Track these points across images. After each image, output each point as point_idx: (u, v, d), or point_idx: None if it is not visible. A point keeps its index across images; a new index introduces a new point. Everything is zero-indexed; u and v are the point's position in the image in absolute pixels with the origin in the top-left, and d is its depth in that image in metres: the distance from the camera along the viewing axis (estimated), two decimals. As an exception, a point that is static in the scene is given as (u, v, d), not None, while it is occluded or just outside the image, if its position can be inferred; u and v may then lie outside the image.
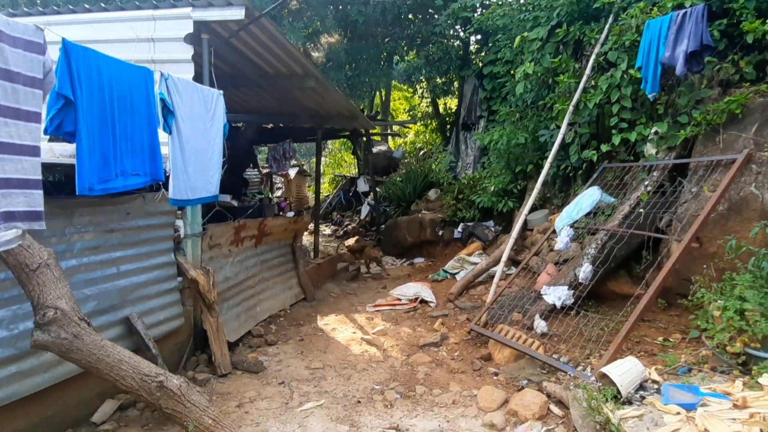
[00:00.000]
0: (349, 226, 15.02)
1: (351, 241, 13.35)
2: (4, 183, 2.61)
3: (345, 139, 16.68)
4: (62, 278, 3.20)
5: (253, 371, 5.14)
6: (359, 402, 4.51)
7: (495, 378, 4.97)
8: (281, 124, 11.60)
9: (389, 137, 18.32)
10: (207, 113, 4.69)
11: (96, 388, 4.12)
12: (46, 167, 3.41)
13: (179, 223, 4.98)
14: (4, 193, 2.56)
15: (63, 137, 3.34)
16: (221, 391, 4.69)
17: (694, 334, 4.91)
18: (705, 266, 4.85)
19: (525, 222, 7.97)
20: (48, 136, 3.71)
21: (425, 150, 16.29)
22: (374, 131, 13.26)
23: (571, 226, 6.08)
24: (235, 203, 6.29)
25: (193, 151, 4.43)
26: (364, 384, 4.90)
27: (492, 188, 9.10)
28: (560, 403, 4.23)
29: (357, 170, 16.65)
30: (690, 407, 3.74)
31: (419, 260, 10.65)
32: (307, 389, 4.78)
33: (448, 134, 14.22)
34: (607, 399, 3.92)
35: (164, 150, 4.20)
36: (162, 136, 4.13)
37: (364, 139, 13.21)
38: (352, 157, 17.99)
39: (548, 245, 7.32)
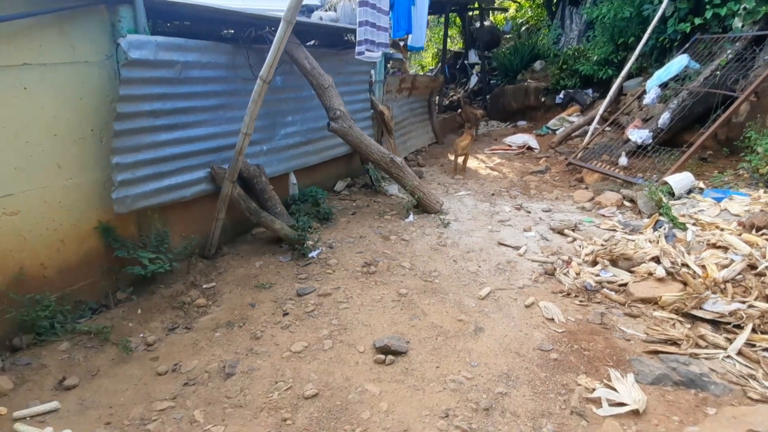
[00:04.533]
0: (454, 97, 16.78)
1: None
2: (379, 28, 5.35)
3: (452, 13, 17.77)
4: (339, 95, 5.58)
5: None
6: (493, 194, 6.90)
7: (585, 189, 7.13)
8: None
9: (490, 12, 19.12)
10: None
11: (335, 171, 6.78)
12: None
13: (372, 71, 7.24)
14: (377, 33, 5.12)
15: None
16: (401, 185, 7.23)
17: (742, 165, 6.70)
18: (759, 116, 6.51)
19: (621, 88, 9.52)
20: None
21: (529, 25, 17.15)
22: (474, 6, 14.48)
23: (660, 86, 7.72)
24: (402, 58, 8.48)
25: (422, 15, 7.02)
26: (493, 187, 7.26)
27: (595, 58, 10.53)
28: (632, 201, 6.36)
29: (462, 44, 17.95)
30: (719, 200, 5.74)
31: (522, 123, 12.49)
32: (456, 187, 7.23)
33: (554, 9, 15.07)
34: (663, 193, 5.99)
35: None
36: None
37: (476, 12, 14.51)
38: (457, 30, 19.10)
39: (638, 105, 8.97)
